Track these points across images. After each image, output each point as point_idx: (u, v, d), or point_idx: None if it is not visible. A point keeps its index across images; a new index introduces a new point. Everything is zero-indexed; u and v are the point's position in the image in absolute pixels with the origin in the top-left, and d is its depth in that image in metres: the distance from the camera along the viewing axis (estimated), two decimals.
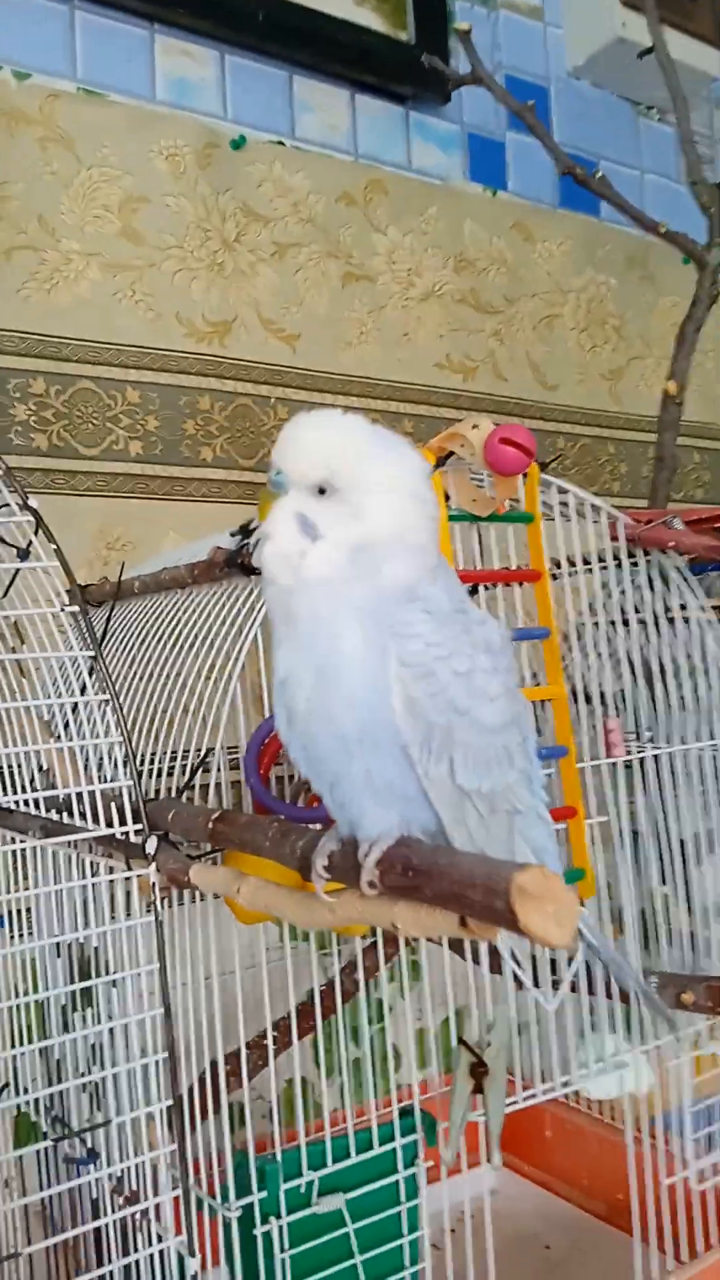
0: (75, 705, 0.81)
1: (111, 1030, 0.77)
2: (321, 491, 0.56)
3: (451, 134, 1.70)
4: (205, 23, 1.43)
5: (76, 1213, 0.87)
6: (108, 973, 0.78)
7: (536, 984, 0.99)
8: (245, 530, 0.90)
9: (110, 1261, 0.74)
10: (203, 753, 0.86)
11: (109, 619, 1.07)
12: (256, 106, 1.49)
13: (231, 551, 0.90)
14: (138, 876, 0.73)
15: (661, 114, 1.95)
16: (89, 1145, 0.81)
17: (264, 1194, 0.86)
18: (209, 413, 1.37)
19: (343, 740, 0.55)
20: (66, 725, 0.86)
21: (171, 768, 0.91)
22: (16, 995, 0.85)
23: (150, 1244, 0.74)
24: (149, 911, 0.73)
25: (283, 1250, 0.86)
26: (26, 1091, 0.86)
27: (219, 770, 0.84)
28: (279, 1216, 0.87)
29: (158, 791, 0.92)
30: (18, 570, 0.74)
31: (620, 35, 1.76)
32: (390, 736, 0.55)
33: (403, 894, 0.53)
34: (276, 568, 0.57)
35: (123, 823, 0.72)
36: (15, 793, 0.78)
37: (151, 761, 0.92)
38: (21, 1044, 0.83)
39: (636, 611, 1.11)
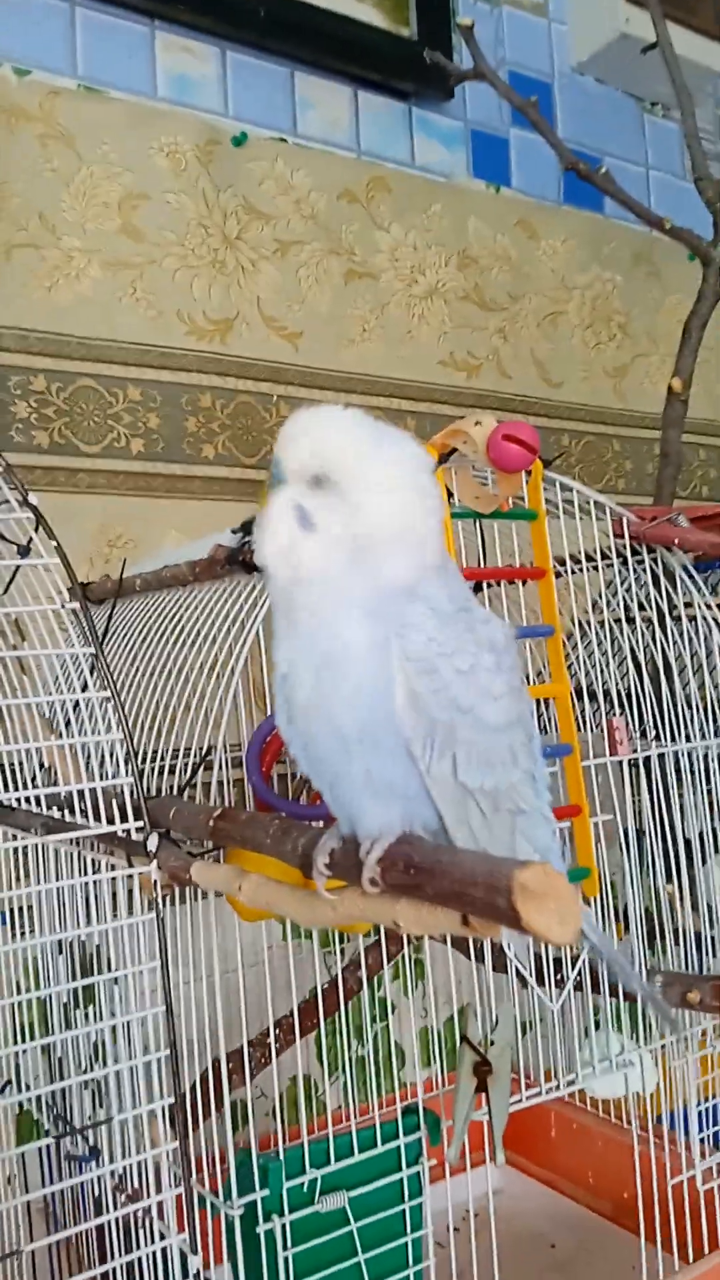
0: (76, 703, 0.81)
1: (113, 1028, 0.77)
2: (318, 484, 0.56)
3: (454, 130, 1.69)
4: (206, 19, 1.42)
5: (79, 1210, 0.87)
6: (109, 970, 0.78)
7: (541, 982, 0.99)
8: (246, 527, 0.89)
9: (112, 1259, 0.74)
10: (204, 750, 0.86)
11: (110, 616, 1.07)
12: (258, 103, 1.49)
13: (233, 549, 0.89)
14: (139, 874, 0.72)
15: (666, 110, 1.95)
16: (91, 1143, 0.81)
17: (266, 1192, 0.86)
18: (210, 410, 1.37)
19: (343, 737, 0.55)
20: (68, 723, 0.86)
21: (173, 765, 0.91)
22: (18, 992, 0.84)
23: (152, 1242, 0.74)
24: (150, 909, 0.73)
25: (285, 1248, 0.86)
26: (28, 1089, 0.86)
27: (221, 768, 0.84)
28: (281, 1214, 0.86)
29: (159, 789, 0.92)
30: (18, 567, 0.74)
31: (624, 31, 1.75)
32: (392, 733, 0.55)
33: (404, 892, 0.53)
34: (271, 559, 0.57)
35: (124, 820, 0.72)
36: (17, 790, 0.78)
37: (153, 759, 0.92)
38: (23, 1041, 0.82)
39: (641, 609, 1.11)
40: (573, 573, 1.09)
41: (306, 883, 0.60)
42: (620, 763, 1.03)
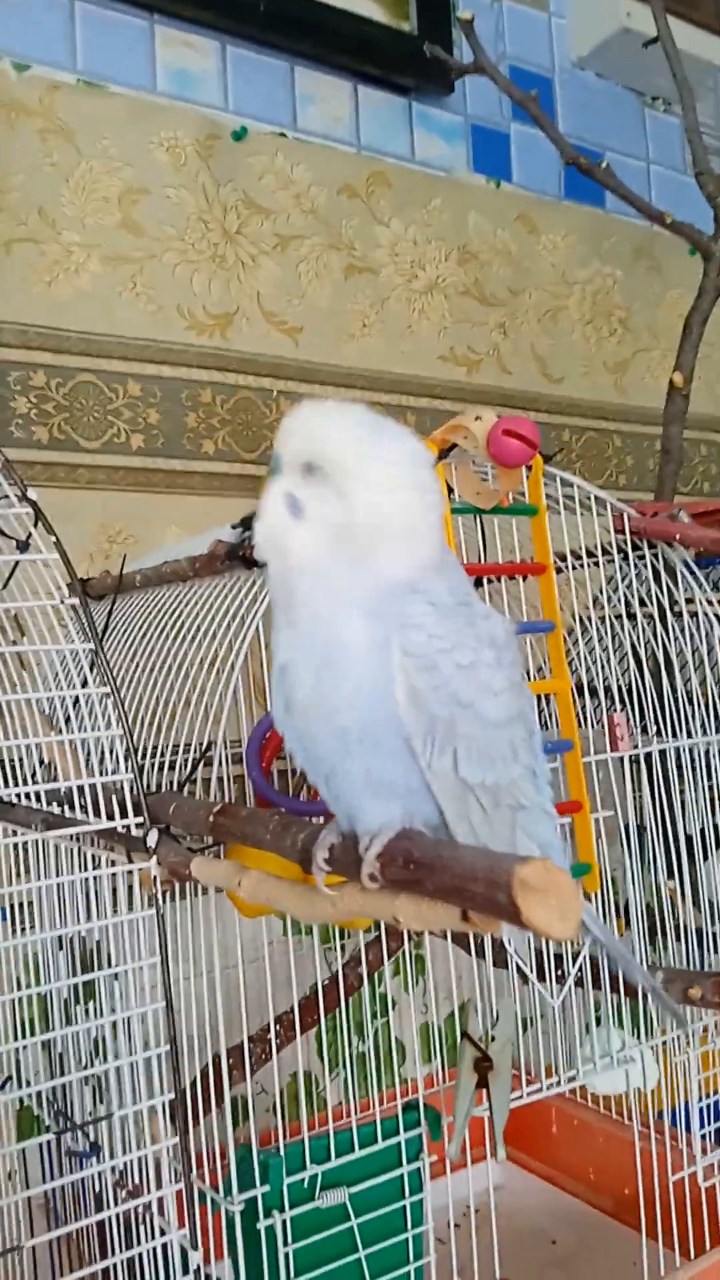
0: (76, 698, 0.80)
1: (114, 1023, 0.77)
2: (310, 473, 0.56)
3: (455, 125, 1.69)
4: (206, 13, 1.42)
5: (79, 1206, 0.87)
6: (110, 966, 0.78)
7: (541, 978, 0.99)
8: (246, 523, 0.89)
9: (113, 1255, 0.74)
10: (204, 746, 0.86)
11: (110, 612, 1.07)
12: (258, 98, 1.48)
13: (233, 544, 0.89)
14: (139, 870, 0.72)
15: (667, 105, 1.94)
16: (91, 1139, 0.81)
17: (267, 1188, 0.86)
18: (210, 406, 1.37)
19: (343, 732, 0.55)
20: (68, 718, 0.85)
21: (173, 761, 0.91)
22: (19, 988, 0.84)
23: (153, 1237, 0.74)
24: (150, 905, 0.73)
25: (286, 1244, 0.86)
26: (29, 1085, 0.86)
27: (221, 764, 0.84)
28: (282, 1210, 0.86)
29: (159, 785, 0.92)
30: (18, 562, 0.74)
31: (625, 25, 1.75)
32: (393, 729, 0.54)
33: (404, 887, 0.53)
34: (262, 546, 0.57)
35: (124, 816, 0.72)
36: (17, 786, 0.78)
37: (153, 755, 0.92)
38: (24, 1037, 0.82)
39: (642, 605, 1.11)
40: (573, 568, 1.08)
41: (306, 878, 0.60)
42: (621, 758, 1.03)
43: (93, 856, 0.78)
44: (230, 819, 0.68)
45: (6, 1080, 0.85)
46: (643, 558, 1.09)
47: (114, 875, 0.76)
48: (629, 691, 1.09)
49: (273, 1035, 1.01)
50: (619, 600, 1.13)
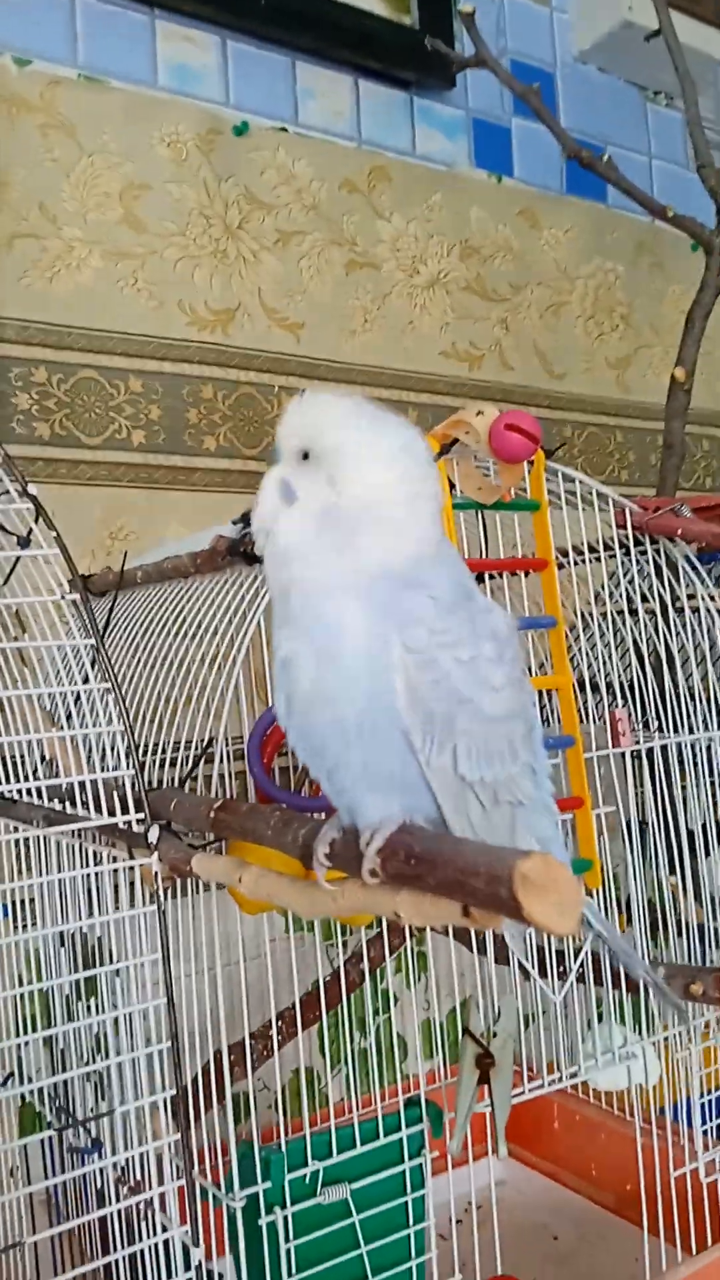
0: (78, 695, 0.80)
1: (115, 1020, 0.77)
2: (304, 458, 0.56)
3: (456, 120, 1.68)
4: (207, 8, 1.42)
5: (81, 1202, 0.87)
6: (111, 962, 0.78)
7: (543, 974, 0.99)
8: (247, 518, 0.89)
9: (115, 1251, 0.74)
10: (205, 742, 0.86)
11: (112, 609, 1.07)
12: (259, 93, 1.48)
13: (234, 540, 0.89)
14: (140, 866, 0.72)
15: (669, 99, 1.94)
16: (93, 1134, 0.81)
17: (268, 1184, 0.86)
18: (212, 402, 1.37)
19: (343, 727, 0.55)
20: (69, 715, 0.85)
21: (174, 758, 0.91)
22: (20, 985, 0.84)
23: (154, 1234, 0.74)
24: (152, 901, 0.73)
25: (287, 1240, 0.86)
26: (31, 1081, 0.86)
27: (222, 760, 0.84)
28: (284, 1207, 0.86)
29: (160, 781, 0.92)
30: (18, 558, 0.74)
31: (627, 19, 1.74)
32: (392, 724, 0.54)
33: (405, 882, 0.52)
34: (256, 532, 0.58)
35: (125, 812, 0.72)
36: (18, 782, 0.78)
37: (154, 751, 0.92)
38: (26, 1033, 0.82)
39: (644, 600, 1.10)
40: (575, 564, 1.08)
41: (307, 874, 0.60)
42: (623, 754, 1.03)
43: (94, 853, 0.78)
44: (231, 815, 0.68)
45: (8, 1077, 0.85)
46: (644, 553, 1.09)
47: (115, 871, 0.76)
48: (631, 687, 1.09)
49: (274, 1031, 1.01)
50: (621, 595, 1.12)
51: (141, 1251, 0.73)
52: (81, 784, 0.74)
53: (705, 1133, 1.09)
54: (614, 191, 1.64)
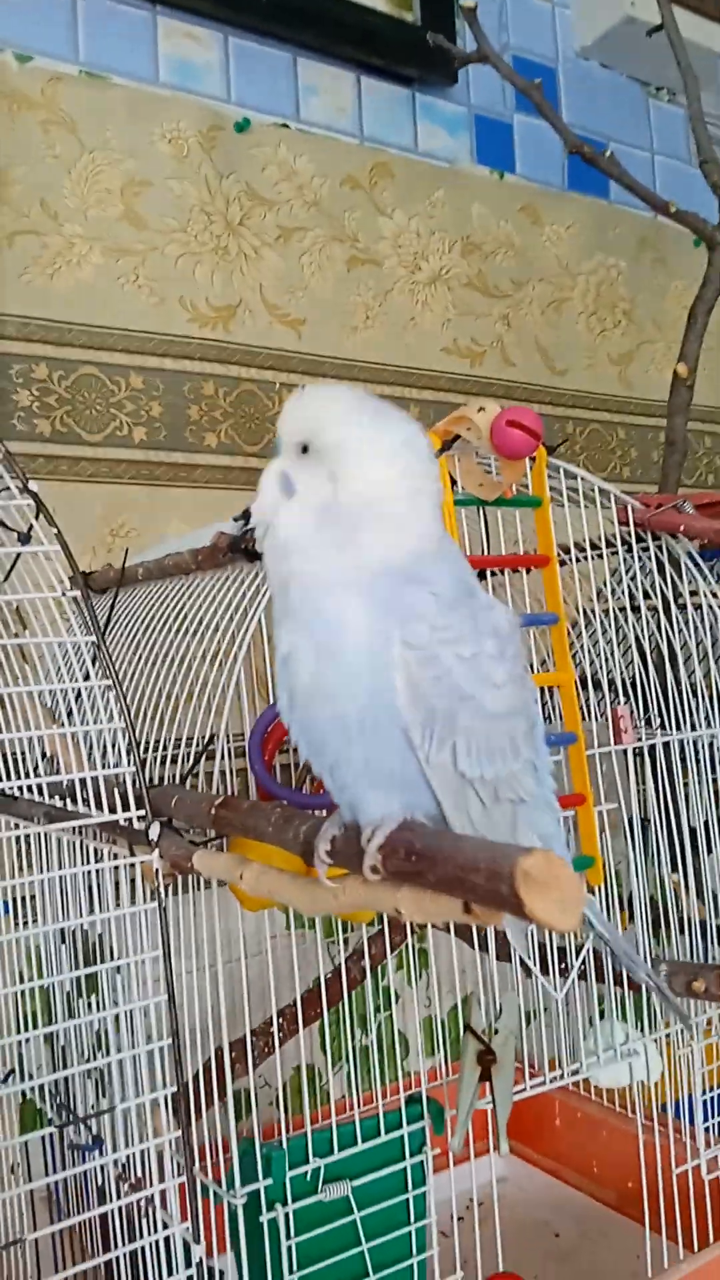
0: (78, 691, 0.80)
1: (116, 1016, 0.77)
2: (304, 452, 0.56)
3: (458, 116, 1.68)
4: (208, 4, 1.41)
5: (82, 1199, 0.87)
6: (112, 959, 0.78)
7: (545, 971, 0.99)
8: (248, 515, 0.89)
9: (115, 1248, 0.74)
10: (206, 739, 0.86)
11: (113, 606, 1.07)
12: (260, 89, 1.48)
13: (235, 536, 0.89)
14: (141, 863, 0.72)
15: (671, 94, 1.93)
16: (94, 1131, 0.81)
17: (269, 1181, 0.86)
18: (213, 398, 1.37)
19: (343, 722, 0.55)
20: (70, 711, 0.85)
21: (175, 754, 0.91)
22: (21, 981, 0.84)
23: (155, 1231, 0.74)
24: (153, 898, 0.73)
25: (288, 1237, 0.86)
26: (31, 1077, 0.86)
27: (223, 757, 0.84)
28: (285, 1204, 0.86)
29: (161, 778, 0.91)
30: (19, 554, 0.74)
31: (629, 14, 1.74)
32: (392, 720, 0.54)
33: (406, 879, 0.52)
34: (256, 526, 0.57)
35: (126, 809, 0.72)
36: (19, 779, 0.78)
37: (155, 748, 0.92)
38: (27, 1030, 0.82)
39: (646, 597, 1.10)
40: (577, 560, 1.08)
41: (309, 871, 0.60)
42: (625, 751, 1.03)
43: (95, 849, 0.78)
44: (232, 812, 0.68)
45: (9, 1073, 0.85)
46: (647, 550, 1.08)
47: (116, 868, 0.76)
48: (632, 684, 1.09)
49: (275, 1028, 1.01)
50: (623, 593, 1.12)
51: (142, 1248, 0.73)
52: (82, 781, 0.74)
53: (707, 1130, 1.09)
54: (616, 187, 1.63)
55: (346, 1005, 1.10)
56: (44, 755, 0.82)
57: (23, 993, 0.85)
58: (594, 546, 1.07)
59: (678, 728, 1.07)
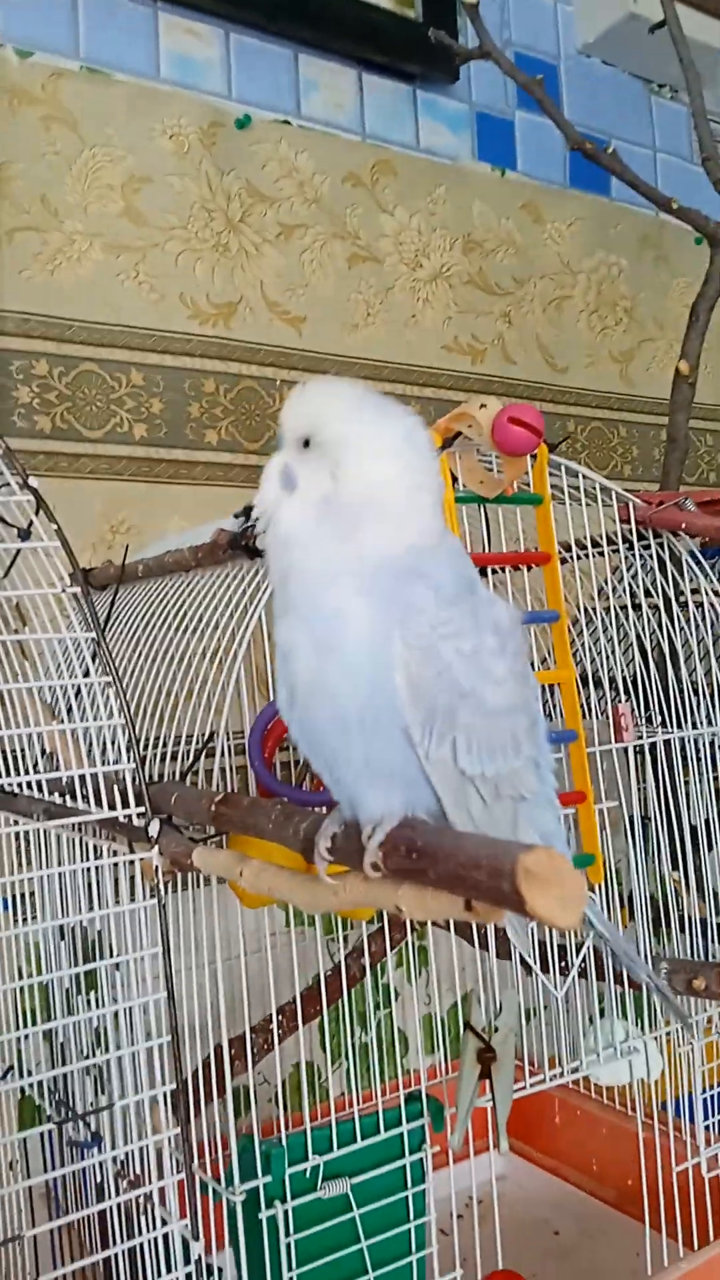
0: (78, 688, 0.80)
1: (115, 1013, 0.77)
2: (305, 446, 0.56)
3: (460, 113, 1.68)
4: (209, 0, 1.41)
5: (81, 1196, 0.87)
6: (111, 956, 0.78)
7: (545, 969, 0.98)
8: (249, 512, 0.88)
9: (114, 1245, 0.74)
10: (206, 736, 0.86)
11: (113, 602, 1.07)
12: (262, 85, 1.47)
13: (235, 534, 0.89)
14: (141, 859, 0.72)
15: (674, 92, 1.93)
16: (93, 1128, 0.81)
17: (269, 1178, 0.86)
18: (214, 395, 1.36)
19: (342, 718, 0.54)
20: (70, 708, 0.85)
21: (175, 751, 0.91)
22: (20, 978, 0.84)
23: (154, 1228, 0.73)
24: (152, 895, 0.73)
25: (287, 1235, 0.86)
26: (30, 1074, 0.86)
27: (223, 754, 0.84)
28: (284, 1201, 0.86)
29: (161, 775, 0.91)
30: (19, 550, 0.74)
31: (631, 11, 1.73)
32: (391, 716, 0.54)
33: (407, 876, 0.52)
34: (258, 521, 0.57)
35: (126, 806, 0.72)
36: (18, 775, 0.78)
37: (155, 745, 0.92)
38: (25, 1027, 0.82)
39: (647, 595, 1.10)
40: (578, 558, 1.08)
41: (309, 868, 0.60)
42: (625, 749, 1.02)
43: (94, 846, 0.78)
44: (232, 809, 0.68)
45: (8, 1070, 0.85)
46: (648, 547, 1.08)
47: (116, 865, 0.76)
48: (634, 682, 1.09)
49: (275, 1026, 1.01)
50: (624, 590, 1.12)
51: (141, 1245, 0.73)
52: (82, 777, 0.74)
53: (707, 1128, 1.09)
54: (617, 185, 1.63)
55: (346, 1003, 1.10)
56: (44, 752, 0.81)
57: (22, 989, 0.85)
58: (595, 544, 1.07)
59: (678, 725, 1.07)
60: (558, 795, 0.66)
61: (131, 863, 0.74)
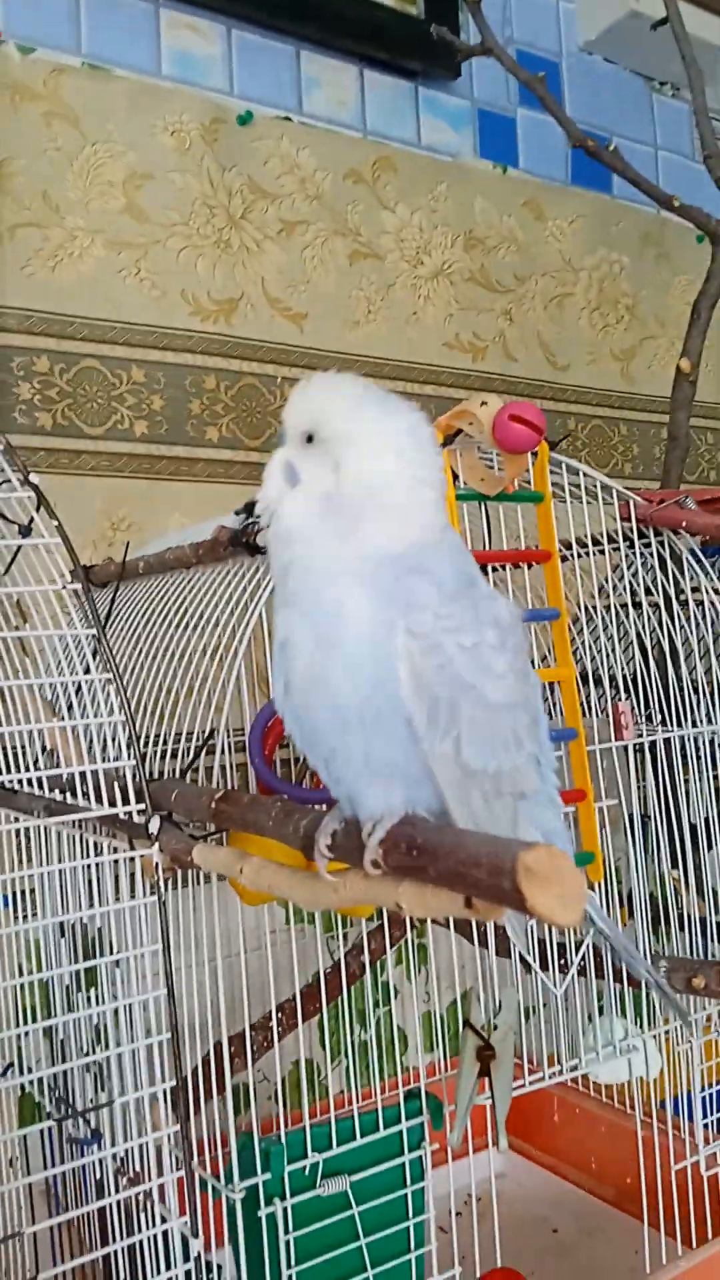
0: (79, 685, 0.80)
1: (115, 1010, 0.77)
2: (308, 441, 0.57)
3: (461, 110, 1.67)
4: None
5: (80, 1193, 0.87)
6: (111, 953, 0.78)
7: (544, 967, 0.99)
8: (250, 509, 0.88)
9: (114, 1242, 0.74)
10: (207, 734, 0.86)
11: (113, 599, 1.07)
12: (263, 82, 1.47)
13: (236, 530, 0.89)
14: (141, 856, 0.72)
15: (675, 89, 1.93)
16: (92, 1125, 0.81)
17: (268, 1175, 0.86)
18: (215, 392, 1.36)
19: (342, 712, 0.54)
20: (70, 705, 0.85)
21: (176, 748, 0.91)
22: (21, 975, 0.84)
23: (154, 1225, 0.74)
24: (152, 892, 0.73)
25: (287, 1232, 0.86)
26: (30, 1071, 0.86)
27: (223, 751, 0.84)
28: (283, 1198, 0.86)
29: (161, 772, 0.91)
30: (19, 547, 0.74)
31: (633, 8, 1.73)
32: (395, 711, 0.54)
33: (407, 874, 0.52)
34: (261, 516, 0.58)
35: (126, 803, 0.72)
36: (19, 772, 0.78)
37: (155, 742, 0.92)
38: (26, 1024, 0.82)
39: (648, 593, 1.10)
40: (579, 556, 1.08)
41: (309, 866, 0.60)
42: (625, 747, 1.02)
43: (95, 843, 0.78)
44: (233, 806, 0.68)
45: (8, 1067, 0.85)
46: (649, 545, 1.08)
47: (116, 862, 0.76)
48: (634, 680, 1.09)
49: (275, 1023, 1.01)
50: (624, 588, 1.12)
51: (141, 1242, 0.73)
52: (82, 774, 0.73)
53: (706, 1126, 1.09)
54: (619, 182, 1.63)
55: (346, 1000, 1.10)
56: (44, 749, 0.81)
57: (22, 986, 0.85)
58: (595, 542, 1.07)
59: (678, 724, 1.07)
60: (559, 793, 0.66)
61: (132, 860, 0.74)
